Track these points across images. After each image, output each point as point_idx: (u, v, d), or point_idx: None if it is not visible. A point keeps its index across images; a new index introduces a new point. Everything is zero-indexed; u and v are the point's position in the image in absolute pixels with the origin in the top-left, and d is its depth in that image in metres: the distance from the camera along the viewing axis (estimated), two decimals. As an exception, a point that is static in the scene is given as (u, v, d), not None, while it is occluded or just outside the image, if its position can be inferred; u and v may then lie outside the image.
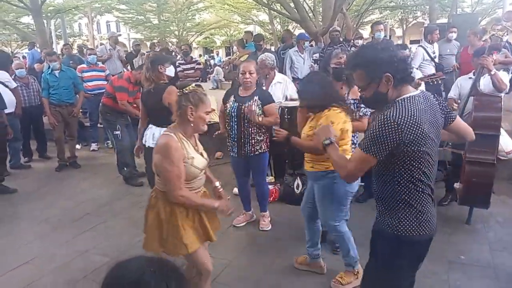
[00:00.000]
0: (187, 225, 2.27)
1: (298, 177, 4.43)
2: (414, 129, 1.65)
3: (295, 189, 4.40)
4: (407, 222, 1.77)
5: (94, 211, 4.50)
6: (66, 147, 6.15)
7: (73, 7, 21.80)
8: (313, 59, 7.03)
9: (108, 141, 6.91)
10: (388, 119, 1.65)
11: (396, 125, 1.63)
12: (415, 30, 26.49)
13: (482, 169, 3.51)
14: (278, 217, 4.12)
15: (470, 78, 4.04)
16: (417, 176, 1.74)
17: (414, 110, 1.67)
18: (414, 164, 1.72)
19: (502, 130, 4.05)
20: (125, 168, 5.36)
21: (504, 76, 3.95)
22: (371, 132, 1.70)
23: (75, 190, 5.05)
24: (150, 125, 3.78)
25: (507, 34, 4.30)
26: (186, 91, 2.23)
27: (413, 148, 1.67)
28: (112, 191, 5.09)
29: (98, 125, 6.98)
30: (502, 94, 3.89)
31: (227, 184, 5.11)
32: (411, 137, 1.65)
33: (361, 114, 3.34)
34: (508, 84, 4.00)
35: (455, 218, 3.90)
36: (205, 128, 2.32)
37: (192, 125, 2.25)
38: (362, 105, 3.26)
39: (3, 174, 5.27)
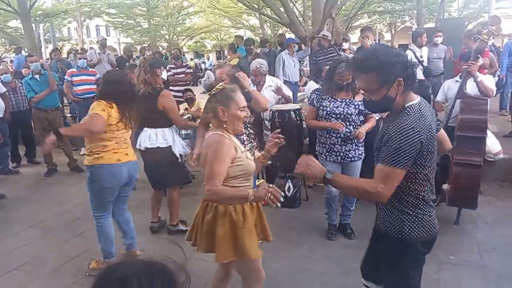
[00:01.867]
0: (254, 227, 2.24)
1: (289, 180, 4.45)
2: (429, 133, 1.69)
3: (286, 192, 4.41)
4: (410, 225, 1.80)
5: (84, 215, 4.44)
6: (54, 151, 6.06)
7: (62, 11, 21.64)
8: (300, 62, 7.09)
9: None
10: (408, 126, 1.65)
11: (416, 132, 1.65)
12: (403, 34, 26.78)
13: (469, 171, 3.57)
14: (270, 220, 4.11)
15: (456, 81, 4.10)
16: (422, 181, 1.77)
17: (425, 115, 1.71)
18: (422, 170, 1.74)
19: (489, 132, 4.12)
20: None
21: (490, 81, 4.02)
22: (393, 144, 1.66)
23: (65, 195, 5.01)
24: (145, 128, 3.75)
25: (493, 38, 4.38)
26: (214, 92, 2.17)
27: (425, 153, 1.70)
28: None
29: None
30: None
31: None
32: (427, 142, 1.68)
33: (369, 112, 3.44)
34: (495, 88, 4.06)
35: (444, 219, 3.94)
36: (242, 127, 2.27)
37: (226, 125, 2.14)
38: None
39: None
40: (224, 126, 2.14)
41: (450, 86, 4.17)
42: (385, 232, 1.88)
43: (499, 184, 4.75)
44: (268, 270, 3.21)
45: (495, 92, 4.05)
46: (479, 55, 3.97)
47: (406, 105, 1.75)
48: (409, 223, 1.80)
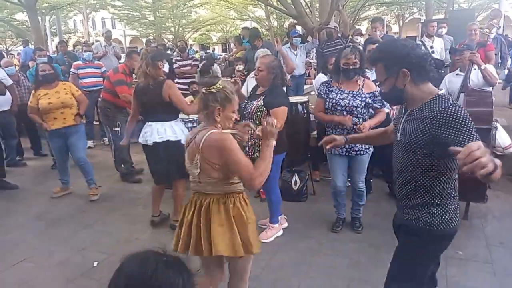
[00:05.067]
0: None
1: (296, 174, 4.43)
2: None
3: (293, 185, 4.39)
4: (440, 217, 1.81)
5: (91, 208, 4.49)
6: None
7: (68, 4, 21.64)
8: (307, 56, 7.00)
9: (104, 138, 6.88)
10: (457, 107, 1.66)
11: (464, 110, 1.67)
12: (412, 26, 26.49)
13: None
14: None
15: (457, 74, 4.08)
16: (450, 171, 1.78)
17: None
18: (450, 159, 1.74)
19: (498, 126, 4.07)
20: (123, 165, 5.34)
21: (492, 70, 4.00)
22: (462, 126, 1.61)
23: (72, 187, 5.02)
24: (149, 122, 3.69)
25: (494, 31, 4.37)
26: (213, 90, 2.09)
27: None
28: (110, 188, 5.07)
29: (94, 122, 6.96)
30: (491, 88, 3.95)
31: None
32: None
33: (377, 106, 3.41)
34: (498, 76, 4.06)
35: (452, 214, 3.91)
36: (231, 126, 2.23)
37: (219, 125, 2.13)
38: (378, 98, 3.35)
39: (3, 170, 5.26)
40: (218, 125, 2.12)
41: (451, 80, 4.13)
42: (411, 223, 1.87)
43: (508, 178, 4.69)
44: (275, 262, 3.22)
45: (498, 79, 4.03)
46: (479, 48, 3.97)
47: (438, 93, 1.77)
48: (439, 215, 1.81)
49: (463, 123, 1.61)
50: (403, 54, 1.75)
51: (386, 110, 3.68)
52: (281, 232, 3.70)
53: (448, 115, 1.64)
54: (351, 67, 3.33)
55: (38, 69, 4.71)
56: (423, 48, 6.07)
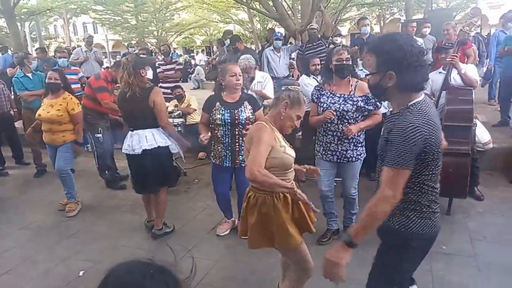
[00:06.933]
0: (290, 220, 2.33)
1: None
2: (433, 131, 1.66)
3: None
4: (416, 221, 1.80)
5: (76, 216, 4.41)
6: (43, 152, 5.98)
7: (48, 9, 21.29)
8: (291, 58, 7.06)
9: (88, 145, 6.77)
10: (409, 125, 1.64)
11: (418, 130, 1.63)
12: (393, 26, 26.86)
13: (457, 160, 3.62)
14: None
15: (440, 72, 4.13)
16: (427, 177, 1.76)
17: (429, 113, 1.69)
18: (425, 166, 1.72)
19: (478, 123, 4.16)
20: (107, 172, 5.28)
21: (473, 70, 4.05)
22: (395, 145, 1.66)
23: (55, 195, 4.93)
24: (136, 131, 3.59)
25: (474, 29, 4.43)
26: (290, 88, 2.41)
27: (430, 151, 1.68)
28: (94, 196, 5.00)
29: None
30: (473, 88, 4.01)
31: (210, 184, 5.09)
32: (431, 140, 1.66)
33: (371, 109, 3.26)
34: (478, 78, 4.10)
35: (436, 210, 3.98)
36: (289, 131, 2.39)
37: (281, 119, 2.33)
38: (371, 101, 3.24)
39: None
40: (280, 119, 2.33)
41: (433, 79, 4.17)
42: (389, 226, 1.83)
43: (489, 173, 4.80)
44: (264, 265, 3.22)
45: (479, 82, 4.09)
46: (460, 47, 4.00)
47: (410, 103, 1.72)
48: (415, 219, 1.80)
49: (398, 143, 1.65)
50: (397, 57, 1.66)
51: (383, 110, 3.56)
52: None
53: (398, 128, 1.67)
54: (344, 62, 3.20)
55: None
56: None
